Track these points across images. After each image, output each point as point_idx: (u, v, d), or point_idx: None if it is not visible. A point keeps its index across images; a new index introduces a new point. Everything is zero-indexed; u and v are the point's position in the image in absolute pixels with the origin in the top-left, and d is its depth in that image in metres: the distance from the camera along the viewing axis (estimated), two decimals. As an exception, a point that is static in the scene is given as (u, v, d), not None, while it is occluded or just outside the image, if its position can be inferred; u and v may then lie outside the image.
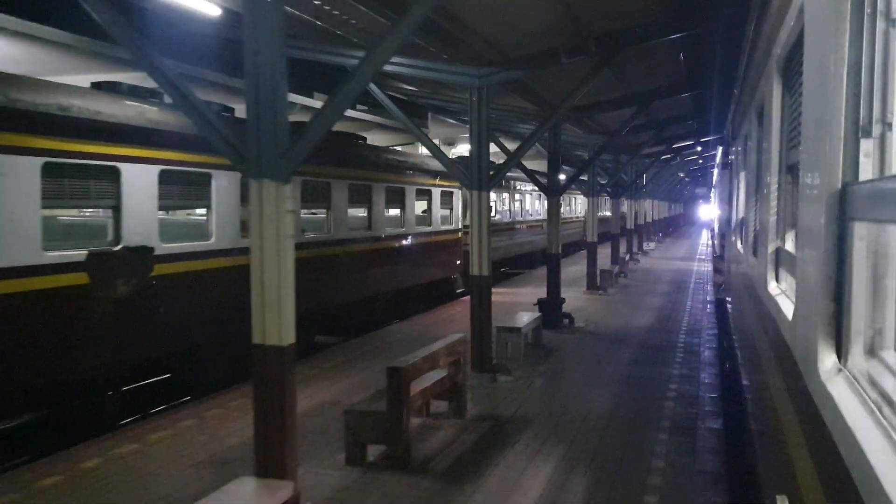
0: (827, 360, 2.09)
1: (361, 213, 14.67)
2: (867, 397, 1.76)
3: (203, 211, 10.30)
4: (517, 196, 27.85)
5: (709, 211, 57.70)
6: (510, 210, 27.19)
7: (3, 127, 7.23)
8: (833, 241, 2.06)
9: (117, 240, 8.69)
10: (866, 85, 1.99)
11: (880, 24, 1.97)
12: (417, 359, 7.41)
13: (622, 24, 9.84)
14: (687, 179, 62.82)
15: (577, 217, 37.42)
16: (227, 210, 10.38)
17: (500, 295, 16.93)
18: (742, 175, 8.80)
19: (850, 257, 1.98)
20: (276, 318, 5.59)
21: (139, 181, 8.91)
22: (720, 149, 19.76)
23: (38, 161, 7.71)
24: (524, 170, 16.29)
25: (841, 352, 2.05)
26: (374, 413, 6.99)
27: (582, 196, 34.51)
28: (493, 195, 21.43)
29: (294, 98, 14.64)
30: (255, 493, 5.15)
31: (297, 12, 7.89)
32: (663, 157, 30.44)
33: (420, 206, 17.85)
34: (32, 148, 7.65)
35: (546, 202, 28.92)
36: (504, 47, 10.35)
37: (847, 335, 2.01)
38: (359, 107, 17.56)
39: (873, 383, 1.81)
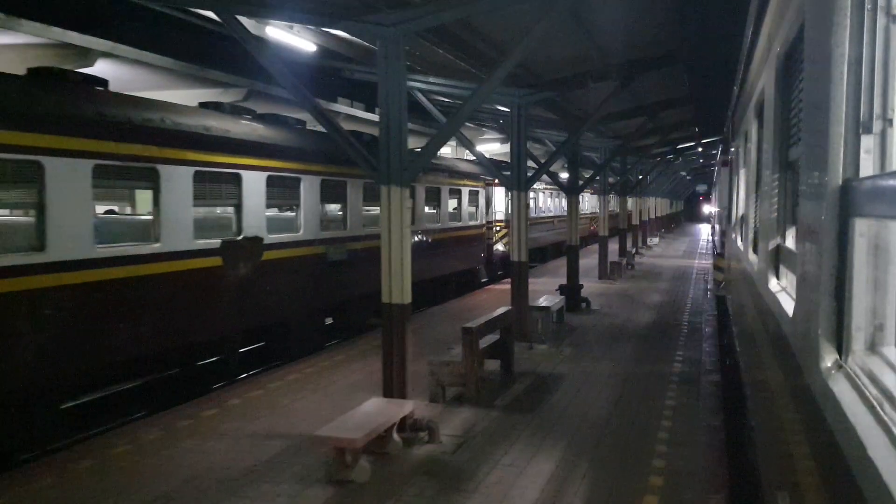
0: (828, 356, 2.08)
1: (431, 208, 17.62)
2: (868, 393, 1.75)
3: (293, 208, 12.47)
4: (531, 194, 29.56)
5: (709, 208, 57.70)
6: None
7: (171, 144, 9.24)
8: (834, 237, 2.06)
9: (239, 231, 10.64)
10: (867, 81, 1.98)
11: (881, 20, 1.96)
12: (481, 323, 9.52)
13: (638, 54, 11.73)
14: (689, 178, 63.16)
15: (584, 214, 38.43)
16: (311, 207, 12.44)
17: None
18: (742, 172, 8.75)
19: (851, 254, 1.97)
20: (399, 284, 7.72)
21: (254, 185, 10.89)
22: (720, 146, 19.82)
23: (191, 170, 9.63)
24: (548, 173, 17.30)
25: (842, 348, 2.04)
26: (452, 363, 9.02)
27: (588, 194, 35.57)
28: (508, 194, 24.07)
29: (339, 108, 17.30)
30: (386, 405, 7.27)
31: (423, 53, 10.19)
32: (668, 158, 31.54)
33: (451, 204, 19.42)
34: (187, 160, 9.55)
35: (554, 200, 29.64)
36: (539, 72, 11.92)
37: (848, 331, 2.00)
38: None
39: (874, 379, 1.80)
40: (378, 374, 8.38)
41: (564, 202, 33.23)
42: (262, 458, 7.03)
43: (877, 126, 1.96)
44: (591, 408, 8.85)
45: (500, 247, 24.10)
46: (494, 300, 16.77)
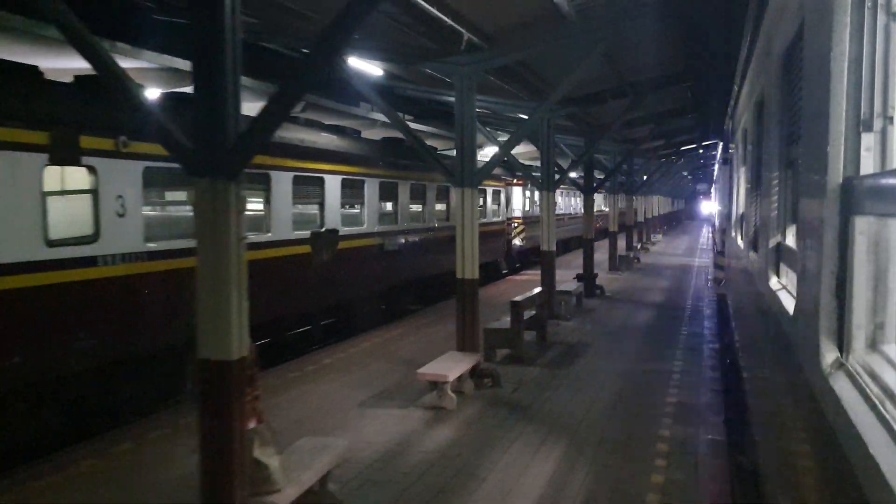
0: (828, 354, 2.07)
1: (441, 206, 19.30)
2: (869, 391, 1.74)
3: (359, 206, 14.72)
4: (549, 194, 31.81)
5: (709, 206, 57.71)
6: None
7: (277, 154, 11.15)
8: (834, 235, 2.04)
9: (322, 225, 12.84)
10: (867, 79, 1.97)
11: (881, 18, 1.95)
12: (524, 298, 11.90)
13: (649, 74, 13.88)
14: (689, 177, 63.28)
15: (571, 213, 39.21)
16: (372, 205, 14.77)
17: (535, 276, 20.82)
18: (742, 170, 8.68)
19: (852, 252, 1.96)
20: (470, 265, 9.97)
21: (332, 186, 13.16)
22: (721, 144, 19.95)
23: (291, 175, 11.81)
24: (562, 172, 19.40)
25: (842, 346, 2.03)
26: (502, 329, 11.41)
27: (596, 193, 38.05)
28: (525, 193, 27.18)
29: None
30: (461, 357, 9.47)
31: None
32: (671, 159, 33.17)
33: (479, 202, 21.36)
34: (288, 167, 11.69)
35: (563, 199, 31.71)
36: (567, 90, 14.27)
37: (848, 330, 1.99)
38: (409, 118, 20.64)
39: (875, 378, 1.79)
40: (431, 344, 11.68)
41: (573, 201, 35.04)
42: (368, 396, 9.26)
43: (877, 124, 1.95)
44: (615, 367, 11.13)
45: (518, 241, 25.17)
46: (516, 289, 17.83)
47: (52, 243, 7.47)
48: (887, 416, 1.58)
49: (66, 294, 7.63)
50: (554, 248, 15.16)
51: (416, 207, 17.21)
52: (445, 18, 8.73)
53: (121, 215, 8.29)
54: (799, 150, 3.07)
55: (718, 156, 21.58)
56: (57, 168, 7.79)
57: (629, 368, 11.00)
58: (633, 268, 26.03)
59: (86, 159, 7.95)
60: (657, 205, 47.38)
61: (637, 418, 8.47)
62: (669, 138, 25.37)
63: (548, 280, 14.81)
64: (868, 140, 1.97)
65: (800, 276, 2.75)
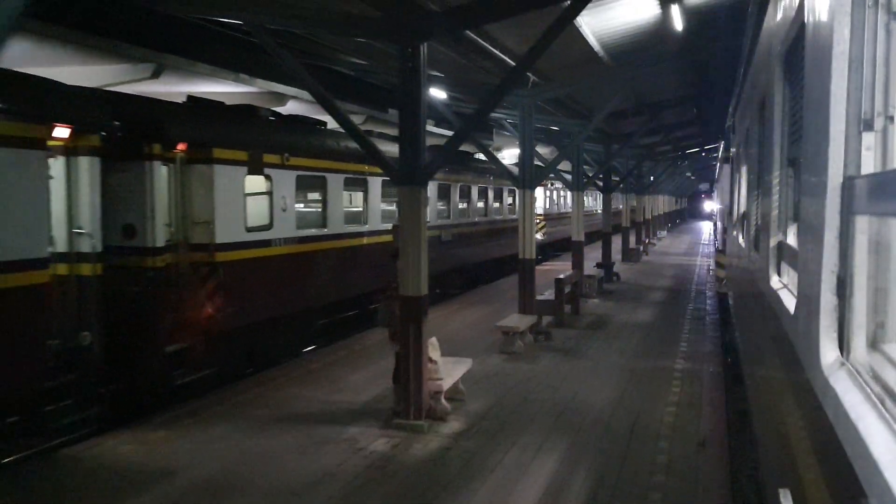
0: (829, 353, 1.95)
1: (480, 204, 20.90)
2: (869, 391, 1.64)
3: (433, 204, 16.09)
4: (562, 194, 32.27)
5: (711, 205, 57.85)
6: (558, 204, 32.01)
7: (335, 158, 12.40)
8: (835, 234, 1.92)
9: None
10: (868, 78, 1.84)
11: (882, 17, 1.82)
12: (564, 276, 14.01)
13: (663, 97, 16.60)
14: (692, 178, 63.32)
15: (593, 211, 39.58)
16: (432, 203, 16.22)
17: (555, 266, 23.62)
18: (744, 169, 8.15)
19: (853, 251, 1.84)
20: (529, 248, 12.79)
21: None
22: (722, 143, 20.15)
23: (380, 179, 13.63)
24: (588, 177, 21.36)
25: (843, 345, 1.91)
26: (548, 301, 13.49)
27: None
28: (545, 192, 29.06)
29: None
30: (523, 317, 11.92)
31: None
32: (678, 163, 35.31)
33: (507, 200, 22.97)
34: (378, 173, 13.38)
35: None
36: (592, 109, 15.91)
37: (849, 329, 1.87)
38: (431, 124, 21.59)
39: (875, 377, 1.69)
40: (485, 316, 14.21)
41: (587, 200, 36.19)
42: (453, 348, 10.27)
43: (878, 123, 1.83)
44: (636, 329, 13.49)
45: (539, 236, 26.45)
46: (540, 276, 19.38)
47: (249, 230, 9.86)
48: (888, 416, 1.46)
49: (254, 265, 9.99)
50: (583, 237, 17.51)
51: (463, 205, 19.29)
52: (506, 58, 10.83)
53: (284, 210, 10.67)
54: (800, 149, 2.81)
55: (720, 155, 21.63)
56: (250, 176, 9.98)
57: (647, 330, 13.39)
58: (642, 259, 28.20)
59: (265, 170, 10.33)
60: (663, 203, 48.65)
61: (657, 358, 11.03)
62: (676, 144, 27.68)
63: (578, 263, 17.23)
64: (869, 139, 1.84)
65: (800, 275, 2.53)
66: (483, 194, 20.68)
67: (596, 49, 11.12)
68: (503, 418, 7.92)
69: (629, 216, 28.16)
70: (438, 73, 11.36)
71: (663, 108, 17.43)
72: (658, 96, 16.50)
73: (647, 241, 32.23)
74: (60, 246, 7.60)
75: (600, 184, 22.80)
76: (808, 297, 2.34)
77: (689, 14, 10.07)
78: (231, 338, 9.70)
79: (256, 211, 10.20)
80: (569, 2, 6.97)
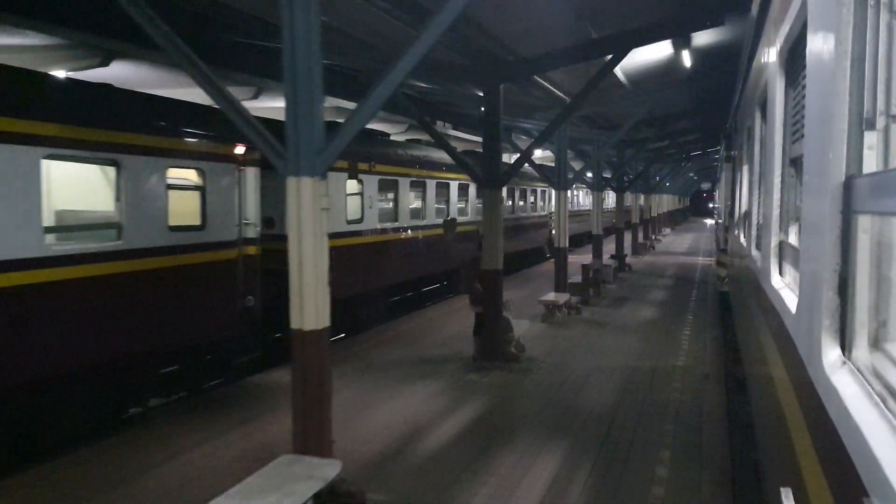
0: (831, 352, 1.85)
1: (521, 203, 22.42)
2: (871, 389, 1.57)
3: (462, 202, 17.68)
4: (575, 192, 33.07)
5: (712, 204, 58.38)
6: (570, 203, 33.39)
7: (428, 168, 14.97)
8: (837, 233, 1.82)
9: (448, 214, 16.02)
10: (870, 77, 1.74)
11: (884, 16, 1.73)
12: (590, 263, 16.56)
13: (671, 110, 18.29)
14: (694, 178, 62.08)
15: (608, 209, 40.67)
16: (472, 202, 17.97)
17: (572, 259, 24.05)
18: (745, 168, 7.73)
19: (854, 250, 1.75)
20: (564, 239, 15.11)
21: (453, 189, 16.60)
22: (723, 143, 20.27)
23: (434, 181, 15.12)
24: (604, 178, 22.09)
25: (845, 344, 1.81)
26: (576, 283, 15.11)
27: (612, 192, 40.17)
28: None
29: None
30: (559, 294, 13.81)
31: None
32: (682, 164, 36.69)
33: (530, 199, 24.50)
34: (434, 177, 15.37)
35: (588, 198, 33.32)
36: (615, 122, 18.03)
37: (851, 327, 1.78)
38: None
39: (877, 375, 1.61)
40: (525, 295, 15.41)
41: (587, 200, 36.19)
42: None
43: (880, 122, 1.75)
44: (651, 306, 15.05)
45: (556, 231, 27.22)
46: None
47: (349, 222, 11.69)
48: (889, 414, 1.38)
49: (351, 252, 11.80)
50: (602, 232, 19.53)
51: (509, 203, 20.63)
52: (554, 90, 12.43)
53: (370, 207, 12.44)
54: (802, 148, 2.63)
55: (721, 154, 21.70)
56: (349, 181, 11.53)
57: (661, 307, 14.90)
58: (649, 253, 29.99)
59: (359, 176, 11.93)
60: (667, 202, 49.45)
61: (669, 326, 12.84)
62: (681, 147, 29.38)
63: (598, 253, 19.28)
64: (871, 138, 1.75)
65: (802, 274, 2.37)
66: (509, 193, 22.32)
67: (621, 78, 12.46)
68: (557, 361, 10.01)
69: (638, 213, 29.65)
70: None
71: (671, 119, 19.35)
72: (667, 109, 18.14)
73: (653, 236, 33.85)
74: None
75: (614, 185, 24.18)
76: (809, 296, 2.30)
77: (695, 52, 11.63)
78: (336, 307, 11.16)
79: (352, 208, 11.99)
80: (610, 56, 8.84)
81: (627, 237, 27.88)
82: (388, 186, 13.55)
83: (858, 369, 1.64)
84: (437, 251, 15.49)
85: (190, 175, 8.05)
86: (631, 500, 5.47)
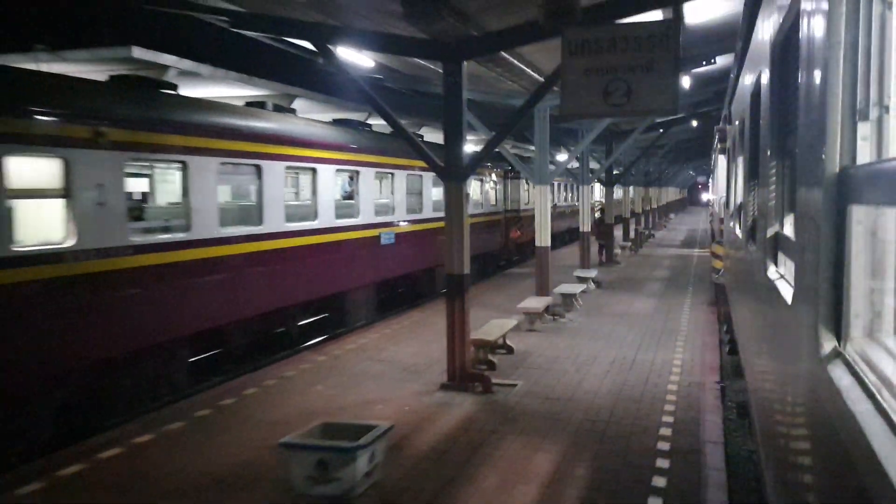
0: (826, 344, 1.85)
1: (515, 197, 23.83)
2: (866, 380, 1.57)
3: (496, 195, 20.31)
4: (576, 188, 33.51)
5: (709, 195, 59.62)
6: (572, 198, 33.82)
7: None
8: (831, 224, 1.83)
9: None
10: (863, 68, 1.75)
11: (876, 7, 1.72)
12: (601, 244, 19.48)
13: (672, 115, 16.61)
14: (693, 174, 65.44)
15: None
16: (513, 193, 21.34)
17: (565, 252, 26.39)
18: (739, 160, 7.64)
19: (849, 241, 1.75)
20: (545, 235, 14.16)
21: (495, 184, 19.82)
22: (717, 135, 20.40)
23: (488, 180, 18.90)
24: (592, 172, 22.99)
25: (840, 335, 1.82)
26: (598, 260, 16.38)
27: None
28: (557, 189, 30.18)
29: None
30: (540, 299, 13.00)
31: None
32: (678, 157, 37.12)
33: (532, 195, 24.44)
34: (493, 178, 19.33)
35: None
36: (622, 128, 19.64)
37: (846, 319, 1.79)
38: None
39: (872, 366, 1.61)
40: (514, 294, 15.06)
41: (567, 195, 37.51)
42: (494, 314, 11.97)
43: (873, 113, 1.75)
44: (652, 288, 16.26)
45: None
46: (554, 260, 21.63)
47: (408, 212, 14.27)
48: (884, 405, 1.38)
49: (412, 237, 14.86)
50: (613, 221, 21.76)
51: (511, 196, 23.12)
52: (533, 73, 11.95)
53: (424, 199, 14.74)
54: (796, 139, 2.65)
55: (715, 145, 21.71)
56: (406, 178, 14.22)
57: (663, 285, 16.69)
58: (652, 239, 31.83)
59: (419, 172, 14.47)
60: (667, 194, 53.16)
61: (670, 305, 13.92)
62: (679, 148, 30.41)
63: (607, 239, 21.41)
64: (864, 129, 1.76)
65: (797, 266, 2.38)
66: (517, 189, 24.45)
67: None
68: (593, 312, 13.33)
69: (641, 204, 32.00)
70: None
71: (672, 124, 20.46)
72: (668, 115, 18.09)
73: (653, 226, 36.16)
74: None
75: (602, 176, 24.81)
76: (804, 288, 2.30)
77: (693, 76, 12.25)
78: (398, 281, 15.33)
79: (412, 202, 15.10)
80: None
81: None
82: (436, 181, 15.34)
83: (853, 361, 1.63)
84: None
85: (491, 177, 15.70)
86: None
